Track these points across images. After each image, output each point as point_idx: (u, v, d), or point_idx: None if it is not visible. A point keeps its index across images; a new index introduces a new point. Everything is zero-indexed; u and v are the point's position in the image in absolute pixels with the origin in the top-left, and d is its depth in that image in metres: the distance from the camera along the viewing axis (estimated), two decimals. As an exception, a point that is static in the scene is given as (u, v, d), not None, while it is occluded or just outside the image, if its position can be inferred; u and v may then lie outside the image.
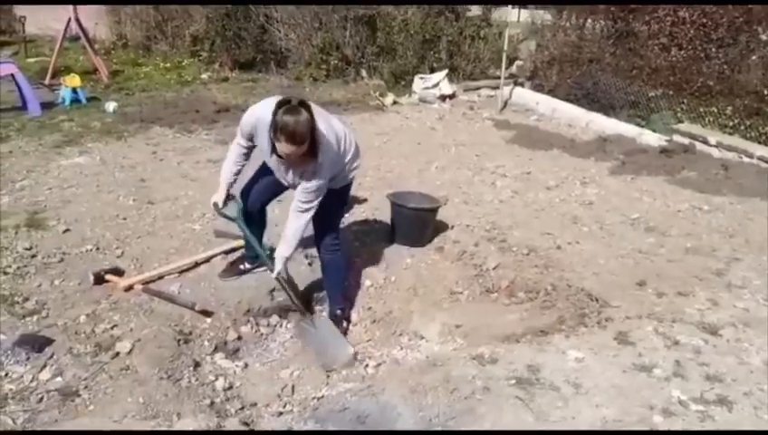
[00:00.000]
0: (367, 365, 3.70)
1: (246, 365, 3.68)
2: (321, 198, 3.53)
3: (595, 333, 3.59)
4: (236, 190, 3.93)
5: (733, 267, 4.45)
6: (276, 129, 3.20)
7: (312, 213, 3.56)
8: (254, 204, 3.97)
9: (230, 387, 3.40)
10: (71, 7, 9.90)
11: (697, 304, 3.91)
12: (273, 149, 3.38)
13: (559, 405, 2.92)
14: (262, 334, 3.94)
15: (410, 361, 3.70)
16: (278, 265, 3.67)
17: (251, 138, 3.61)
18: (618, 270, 4.40)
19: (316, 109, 3.41)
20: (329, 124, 3.52)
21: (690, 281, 4.22)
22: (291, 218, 3.60)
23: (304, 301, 3.98)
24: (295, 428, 2.81)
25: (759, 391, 3.03)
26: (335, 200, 3.78)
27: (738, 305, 3.89)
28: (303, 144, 3.23)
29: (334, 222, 3.91)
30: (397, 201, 4.79)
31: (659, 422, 2.83)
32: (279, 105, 3.22)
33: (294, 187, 3.60)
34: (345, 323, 4.04)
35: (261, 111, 3.43)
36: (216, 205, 3.83)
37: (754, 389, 3.05)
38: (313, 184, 3.46)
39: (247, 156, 3.76)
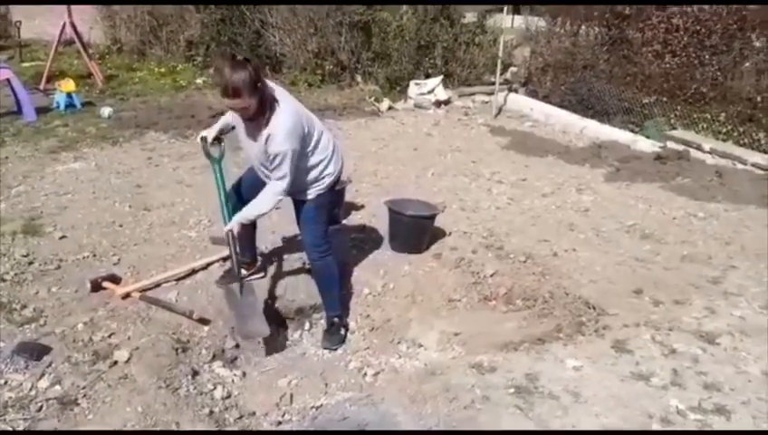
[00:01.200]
0: (365, 374, 3.70)
1: (245, 374, 3.67)
2: (290, 176, 3.47)
3: (593, 342, 3.61)
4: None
5: (729, 275, 4.47)
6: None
7: (281, 192, 3.52)
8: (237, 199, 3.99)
9: (228, 396, 3.39)
10: (66, 12, 9.88)
11: (694, 312, 3.93)
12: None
13: (558, 414, 2.94)
14: (259, 342, 3.93)
15: (409, 369, 3.70)
16: (233, 223, 3.63)
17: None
18: (614, 278, 4.42)
19: (285, 93, 3.55)
20: (297, 105, 3.59)
21: (687, 289, 4.24)
22: (264, 189, 3.61)
23: (240, 266, 3.90)
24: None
25: (757, 401, 3.05)
26: (316, 205, 3.78)
27: (735, 314, 3.91)
28: (238, 98, 3.27)
29: (318, 228, 3.84)
30: (394, 208, 4.79)
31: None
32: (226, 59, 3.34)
33: (260, 169, 3.69)
34: (343, 331, 4.04)
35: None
36: (204, 139, 3.89)
37: (753, 398, 3.07)
38: (272, 149, 3.42)
39: None
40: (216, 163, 3.89)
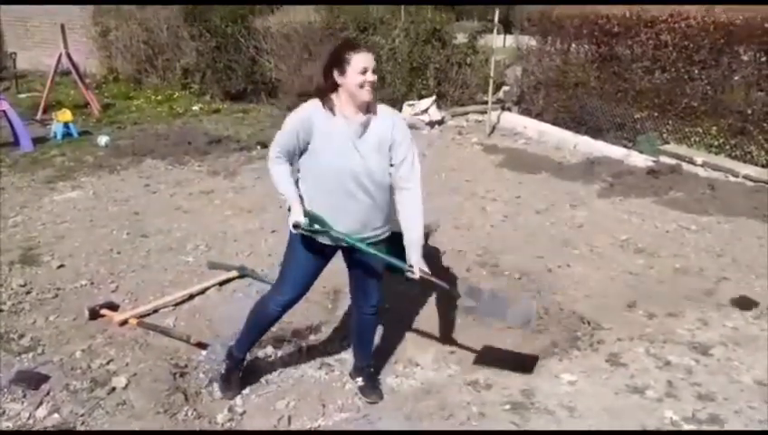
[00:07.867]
0: (362, 394, 3.71)
1: (243, 397, 3.68)
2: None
3: (587, 356, 3.63)
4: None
5: (721, 287, 4.51)
6: (351, 50, 3.02)
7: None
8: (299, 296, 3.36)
9: (228, 419, 3.40)
10: (61, 43, 10.00)
11: (687, 324, 3.96)
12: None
13: (553, 429, 2.95)
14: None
15: (406, 388, 3.71)
16: (417, 256, 3.25)
17: (304, 144, 3.05)
18: (609, 292, 4.45)
19: None
20: None
21: (680, 301, 4.28)
22: (415, 196, 3.26)
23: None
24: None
25: (750, 409, 3.07)
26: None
27: (727, 325, 3.94)
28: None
29: (379, 279, 3.46)
30: (389, 229, 4.82)
31: (653, 443, 2.87)
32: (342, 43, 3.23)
33: (364, 184, 3.14)
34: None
35: (311, 109, 3.05)
36: (297, 225, 3.03)
37: (745, 407, 3.09)
38: (400, 136, 3.12)
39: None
40: (328, 227, 3.11)
